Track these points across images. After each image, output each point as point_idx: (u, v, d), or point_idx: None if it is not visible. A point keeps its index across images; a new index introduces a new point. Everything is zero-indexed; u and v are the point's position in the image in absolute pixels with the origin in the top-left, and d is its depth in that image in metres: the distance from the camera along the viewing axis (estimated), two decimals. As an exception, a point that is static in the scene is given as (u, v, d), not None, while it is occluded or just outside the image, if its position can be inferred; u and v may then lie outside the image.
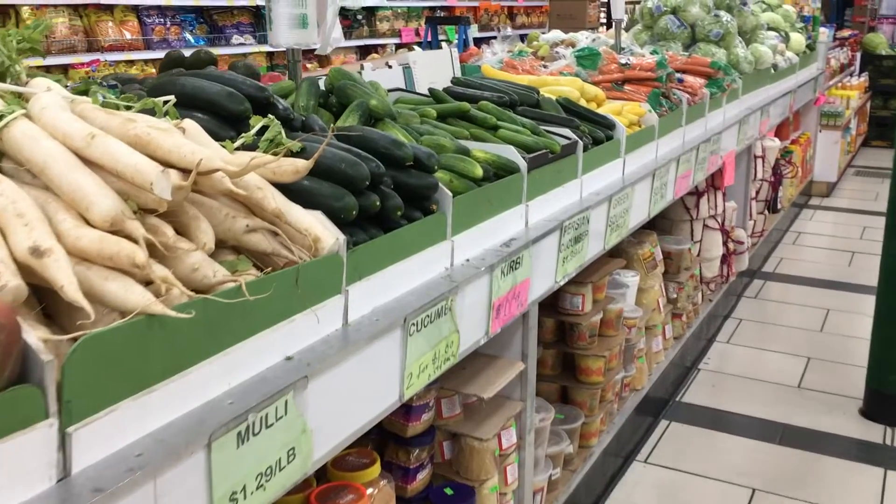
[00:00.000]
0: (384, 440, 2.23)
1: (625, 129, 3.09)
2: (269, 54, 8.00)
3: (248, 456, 1.32)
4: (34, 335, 1.12)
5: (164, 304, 1.28)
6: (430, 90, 2.83)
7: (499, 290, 2.13)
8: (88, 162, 1.37)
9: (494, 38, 4.60)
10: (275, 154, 1.70)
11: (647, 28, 5.29)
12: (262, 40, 7.60)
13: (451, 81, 3.04)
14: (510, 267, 2.18)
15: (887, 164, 10.02)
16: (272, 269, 1.52)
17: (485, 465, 2.28)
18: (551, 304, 3.02)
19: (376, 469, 1.93)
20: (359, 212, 1.70)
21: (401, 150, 1.90)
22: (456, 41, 9.58)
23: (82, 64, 6.04)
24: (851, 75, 10.31)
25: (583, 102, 3.27)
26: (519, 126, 2.64)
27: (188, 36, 6.91)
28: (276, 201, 1.57)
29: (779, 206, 6.71)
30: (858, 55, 11.02)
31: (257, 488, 1.35)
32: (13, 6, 5.86)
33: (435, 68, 3.68)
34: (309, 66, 8.22)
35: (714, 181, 4.61)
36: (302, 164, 1.61)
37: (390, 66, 3.40)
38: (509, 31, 5.05)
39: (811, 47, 7.54)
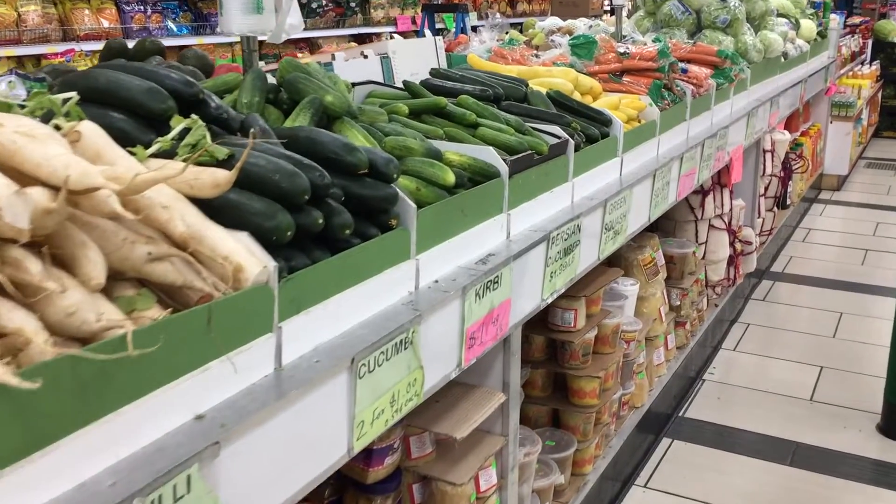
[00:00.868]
0: (343, 485, 1.96)
1: (622, 126, 2.80)
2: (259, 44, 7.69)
3: (133, 553, 1.05)
4: None
5: (24, 361, 1.01)
6: (405, 83, 2.54)
7: (473, 315, 1.85)
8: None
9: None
10: (198, 163, 1.42)
11: (650, 14, 4.99)
12: (250, 29, 7.29)
13: (430, 73, 2.75)
14: (487, 287, 1.90)
15: (899, 155, 9.71)
16: (185, 307, 1.25)
17: (460, 509, 2.01)
18: (541, 319, 2.74)
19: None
20: (298, 231, 1.43)
21: (353, 156, 1.62)
22: (454, 29, 9.27)
23: (56, 54, 5.75)
24: (863, 63, 9.98)
25: (576, 96, 2.98)
26: (502, 124, 2.35)
27: (171, 24, 6.61)
28: (187, 222, 1.29)
29: (788, 202, 6.40)
30: (870, 42, 10.67)
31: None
32: (-17, -7, 5.58)
33: (417, 59, 3.39)
34: (300, 55, 7.92)
35: (721, 178, 4.32)
36: (223, 177, 1.33)
37: (366, 57, 3.11)
38: (499, 17, 4.75)
39: (822, 34, 7.22)
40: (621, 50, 3.25)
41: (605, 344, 2.85)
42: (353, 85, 2.54)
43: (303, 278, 1.41)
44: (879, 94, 10.51)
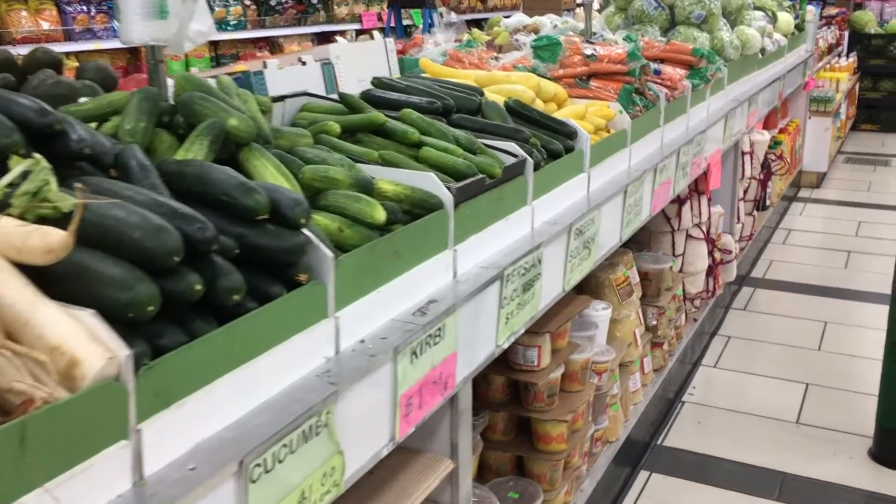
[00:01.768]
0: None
1: (589, 138, 2.52)
2: (214, 44, 7.35)
3: None
4: None
5: None
6: (341, 96, 2.23)
7: (408, 378, 1.55)
8: None
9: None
10: (40, 217, 1.12)
11: (621, 10, 4.70)
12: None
13: (372, 83, 2.45)
14: (426, 343, 1.60)
15: (878, 149, 9.52)
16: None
17: None
18: (501, 357, 2.44)
19: None
20: (171, 300, 1.12)
21: (250, 198, 1.31)
22: (421, 26, 8.95)
23: (-9, 59, 5.37)
24: (840, 56, 9.78)
25: (538, 104, 2.68)
26: (450, 142, 2.05)
27: (117, 26, 6.25)
28: (7, 301, 0.99)
29: (768, 203, 6.16)
30: (846, 34, 10.47)
31: None
32: None
33: (364, 64, 3.08)
34: (258, 54, 7.57)
35: (698, 186, 4.04)
36: (56, 239, 1.03)
37: (304, 63, 2.80)
38: (453, 16, 4.45)
39: (800, 27, 6.97)
40: (588, 52, 2.96)
41: (574, 381, 2.56)
42: (284, 98, 2.25)
43: (172, 363, 1.11)
44: (857, 87, 10.32)
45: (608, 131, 2.80)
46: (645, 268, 3.51)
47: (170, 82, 1.88)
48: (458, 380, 1.76)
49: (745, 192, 5.10)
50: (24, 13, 5.61)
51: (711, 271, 4.37)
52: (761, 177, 5.26)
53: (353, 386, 1.40)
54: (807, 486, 3.23)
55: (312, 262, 1.41)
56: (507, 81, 2.76)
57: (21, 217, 1.12)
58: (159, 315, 1.11)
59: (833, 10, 10.46)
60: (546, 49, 3.01)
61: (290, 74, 2.71)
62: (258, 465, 1.17)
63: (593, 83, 2.96)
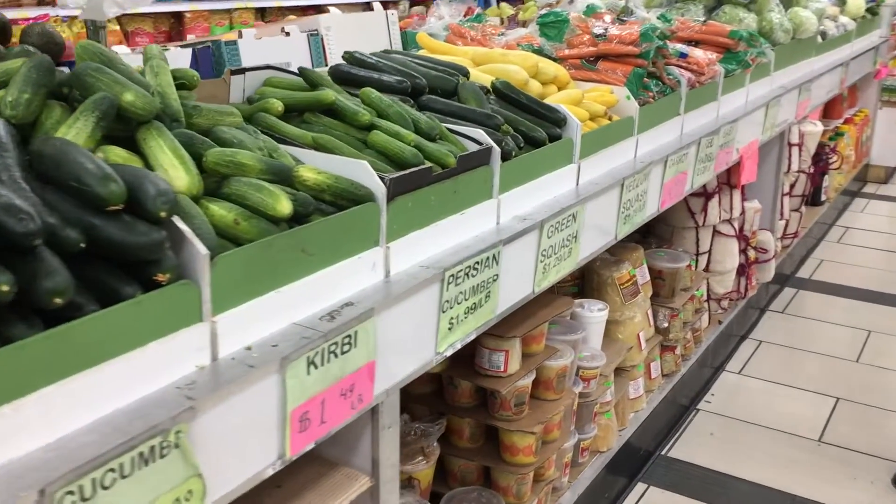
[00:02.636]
0: None
1: (580, 125, 2.30)
2: (261, 10, 7.24)
3: None
4: None
5: None
6: (301, 70, 2.08)
7: (304, 390, 1.40)
8: None
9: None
10: None
11: (665, -13, 4.40)
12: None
13: (343, 58, 2.28)
14: (331, 352, 1.44)
15: (959, 145, 8.89)
16: None
17: None
18: (468, 359, 2.28)
19: None
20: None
21: (103, 187, 1.17)
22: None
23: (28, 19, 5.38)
24: (923, 43, 9.14)
25: (533, 86, 2.47)
26: (408, 126, 1.88)
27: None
28: None
29: (822, 198, 5.78)
30: (933, 20, 9.78)
31: None
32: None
33: (360, 37, 2.92)
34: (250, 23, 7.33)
35: (730, 178, 3.77)
36: None
37: (287, 34, 2.64)
38: (463, -13, 4.21)
39: (874, 11, 6.50)
40: (597, 31, 2.72)
41: (549, 389, 2.37)
42: (244, 71, 2.10)
43: (-33, 375, 0.98)
44: (941, 77, 9.65)
45: (609, 119, 2.57)
46: (659, 266, 3.27)
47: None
48: (379, 391, 1.60)
49: (792, 186, 4.77)
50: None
51: (744, 270, 4.09)
52: (811, 171, 4.91)
53: (225, 399, 1.26)
54: (818, 512, 2.98)
55: (185, 260, 1.26)
56: (502, 60, 2.55)
57: None
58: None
59: (920, -6, 9.79)
60: (552, 26, 2.78)
61: (270, 46, 2.57)
62: (70, 492, 1.04)
63: (602, 65, 2.73)
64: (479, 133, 1.98)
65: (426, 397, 2.38)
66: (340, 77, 2.19)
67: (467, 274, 1.80)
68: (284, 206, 1.41)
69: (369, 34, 2.95)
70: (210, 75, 2.37)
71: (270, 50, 2.54)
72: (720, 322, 3.94)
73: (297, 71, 2.10)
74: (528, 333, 2.27)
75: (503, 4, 4.15)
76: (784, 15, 4.25)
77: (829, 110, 6.50)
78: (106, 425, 1.13)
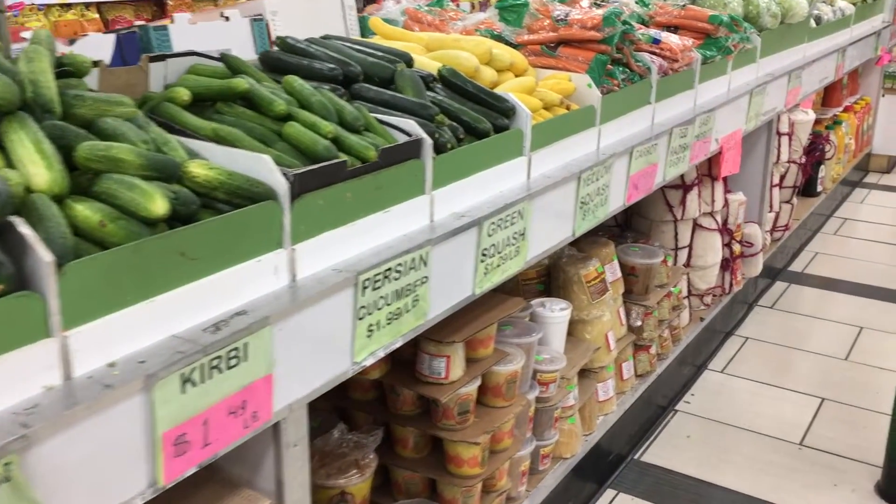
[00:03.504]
0: None
1: (530, 116, 2.15)
2: None
3: None
4: None
5: None
6: (223, 56, 1.94)
7: (179, 410, 1.26)
8: None
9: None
10: None
11: (649, -30, 4.22)
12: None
13: (275, 43, 2.14)
14: (213, 367, 1.30)
15: (966, 133, 8.66)
16: None
17: None
18: (410, 365, 2.14)
19: None
20: None
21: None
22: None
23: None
24: (930, 28, 8.90)
25: (486, 74, 2.32)
26: (331, 117, 1.74)
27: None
28: None
29: (818, 189, 5.61)
30: (941, 5, 9.53)
31: None
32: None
33: (313, 22, 2.77)
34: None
35: (711, 170, 3.61)
36: None
37: (227, 19, 2.50)
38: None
39: (875, -5, 6.30)
40: (557, 15, 2.56)
41: (498, 396, 2.23)
42: (164, 58, 1.97)
43: None
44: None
45: (568, 108, 2.42)
46: (632, 262, 3.12)
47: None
48: (280, 407, 1.47)
49: (783, 177, 4.60)
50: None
51: (728, 265, 3.93)
52: (802, 161, 4.73)
53: (75, 424, 1.13)
54: (795, 521, 2.84)
55: (30, 268, 1.13)
56: (454, 46, 2.40)
57: None
58: None
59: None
60: (511, 10, 2.63)
61: (207, 32, 2.42)
62: None
63: (562, 51, 2.57)
64: (410, 124, 1.83)
65: (369, 404, 2.25)
66: (270, 64, 2.05)
67: (387, 277, 1.66)
68: (159, 205, 1.28)
69: (322, 19, 2.80)
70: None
71: (207, 36, 2.40)
72: (702, 319, 3.78)
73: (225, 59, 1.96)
74: (475, 336, 2.13)
75: (479, -12, 4.01)
76: (772, -1, 4.07)
77: (828, 98, 6.31)
78: (-83, 458, 1.00)
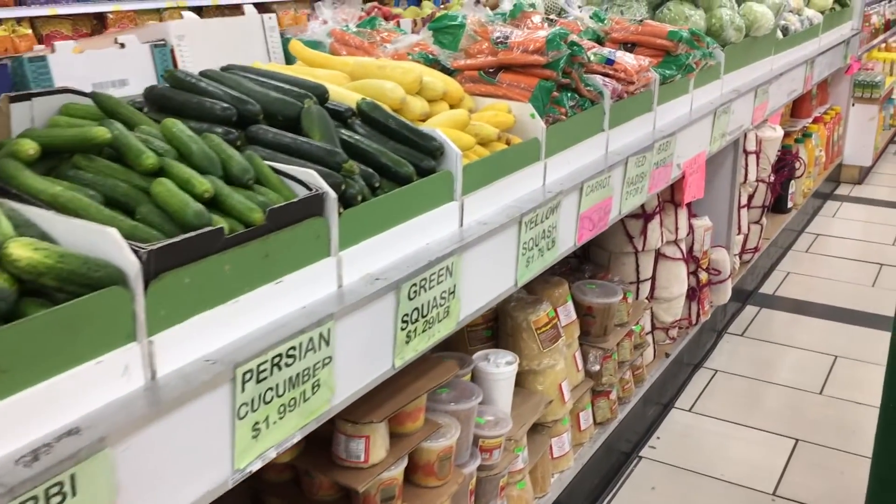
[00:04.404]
0: None
1: (459, 155, 1.89)
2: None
3: None
4: None
5: None
6: (94, 95, 1.66)
7: (-27, 574, 0.98)
8: None
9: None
10: None
11: (607, -18, 3.99)
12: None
13: (164, 76, 1.86)
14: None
15: (936, 141, 8.55)
16: None
17: None
18: (326, 445, 1.86)
19: None
20: None
21: None
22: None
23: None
24: (898, 34, 8.78)
25: (414, 106, 2.05)
26: (214, 168, 1.47)
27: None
28: None
29: (789, 206, 5.40)
30: (909, 10, 9.42)
31: None
32: None
33: (227, 47, 2.49)
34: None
35: (674, 196, 3.37)
36: None
37: (122, 46, 2.21)
38: (348, -12, 3.81)
39: (843, 2, 6.11)
40: (497, 37, 2.30)
41: (429, 475, 1.96)
42: (31, 97, 1.68)
43: None
44: (918, 70, 9.30)
45: (508, 142, 2.16)
46: (588, 301, 2.87)
47: None
48: (130, 541, 1.18)
49: (751, 198, 4.37)
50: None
51: (695, 294, 3.70)
52: (770, 180, 4.51)
53: None
54: (768, 588, 2.59)
55: None
56: (379, 75, 2.13)
57: None
58: None
59: (895, -17, 9.43)
60: (446, 32, 2.37)
61: (98, 62, 2.14)
62: None
63: (502, 77, 2.31)
64: (311, 174, 1.56)
65: (283, 487, 1.97)
66: (155, 102, 1.77)
67: (277, 365, 1.39)
68: (-53, 309, 1.00)
69: (239, 43, 2.53)
70: (8, 100, 1.94)
71: (98, 67, 2.11)
72: (667, 355, 3.54)
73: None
74: (401, 412, 1.86)
75: (425, 3, 3.73)
76: (736, 11, 3.85)
77: (797, 109, 6.12)
78: None
